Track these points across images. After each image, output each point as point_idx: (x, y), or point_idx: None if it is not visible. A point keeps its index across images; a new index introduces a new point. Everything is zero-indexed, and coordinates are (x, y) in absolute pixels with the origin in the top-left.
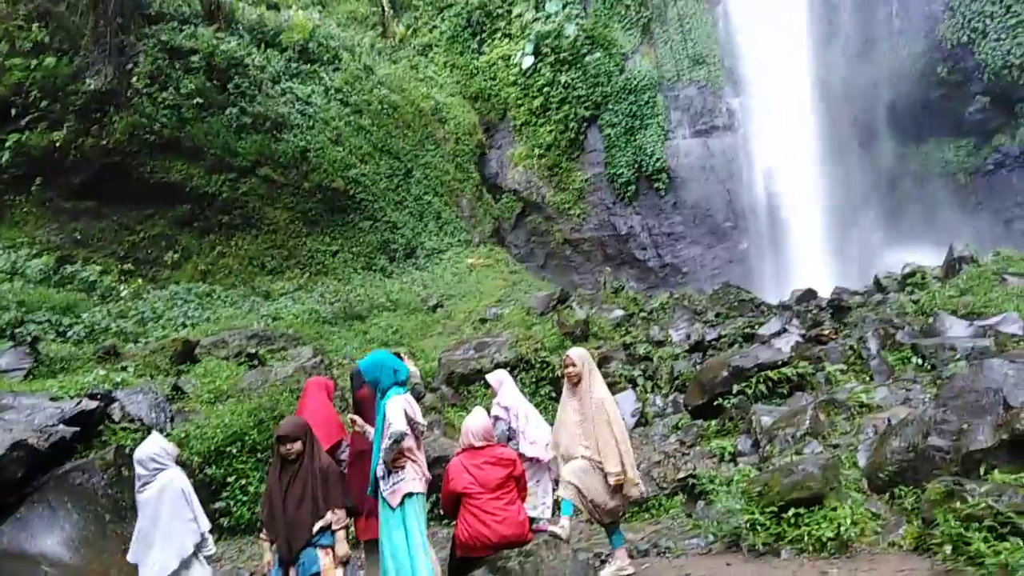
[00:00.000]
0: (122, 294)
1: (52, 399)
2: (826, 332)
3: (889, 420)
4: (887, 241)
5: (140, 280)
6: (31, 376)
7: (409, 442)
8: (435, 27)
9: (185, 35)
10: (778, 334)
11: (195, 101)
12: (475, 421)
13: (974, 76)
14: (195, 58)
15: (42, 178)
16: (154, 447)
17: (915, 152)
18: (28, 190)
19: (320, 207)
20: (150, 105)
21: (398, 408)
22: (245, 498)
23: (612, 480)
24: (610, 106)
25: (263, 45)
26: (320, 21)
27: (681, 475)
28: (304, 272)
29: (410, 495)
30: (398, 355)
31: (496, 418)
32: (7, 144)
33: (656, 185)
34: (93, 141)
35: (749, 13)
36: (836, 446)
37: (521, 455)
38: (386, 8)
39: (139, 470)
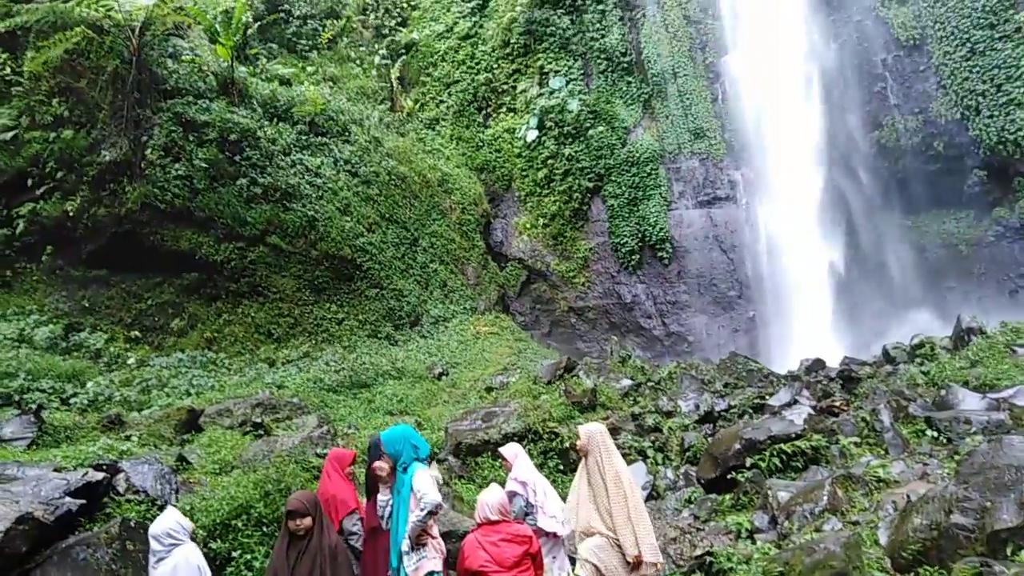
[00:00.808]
0: (128, 361)
1: (56, 470)
2: (837, 404)
3: (908, 496)
4: (893, 310)
5: (146, 347)
6: (35, 445)
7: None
8: (442, 102)
9: (199, 109)
10: (789, 405)
11: (207, 172)
12: (491, 496)
13: (970, 151)
14: (208, 131)
15: (54, 247)
16: (170, 522)
17: (917, 223)
18: (40, 258)
19: (327, 275)
20: (162, 176)
21: (428, 480)
22: (250, 574)
23: (630, 558)
24: (613, 177)
25: (275, 118)
26: (331, 96)
27: (698, 552)
28: (310, 340)
29: (431, 574)
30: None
31: (513, 493)
32: (21, 214)
33: (660, 254)
34: (106, 211)
35: (749, 86)
36: (856, 523)
37: (539, 530)
38: (395, 84)
39: (154, 545)
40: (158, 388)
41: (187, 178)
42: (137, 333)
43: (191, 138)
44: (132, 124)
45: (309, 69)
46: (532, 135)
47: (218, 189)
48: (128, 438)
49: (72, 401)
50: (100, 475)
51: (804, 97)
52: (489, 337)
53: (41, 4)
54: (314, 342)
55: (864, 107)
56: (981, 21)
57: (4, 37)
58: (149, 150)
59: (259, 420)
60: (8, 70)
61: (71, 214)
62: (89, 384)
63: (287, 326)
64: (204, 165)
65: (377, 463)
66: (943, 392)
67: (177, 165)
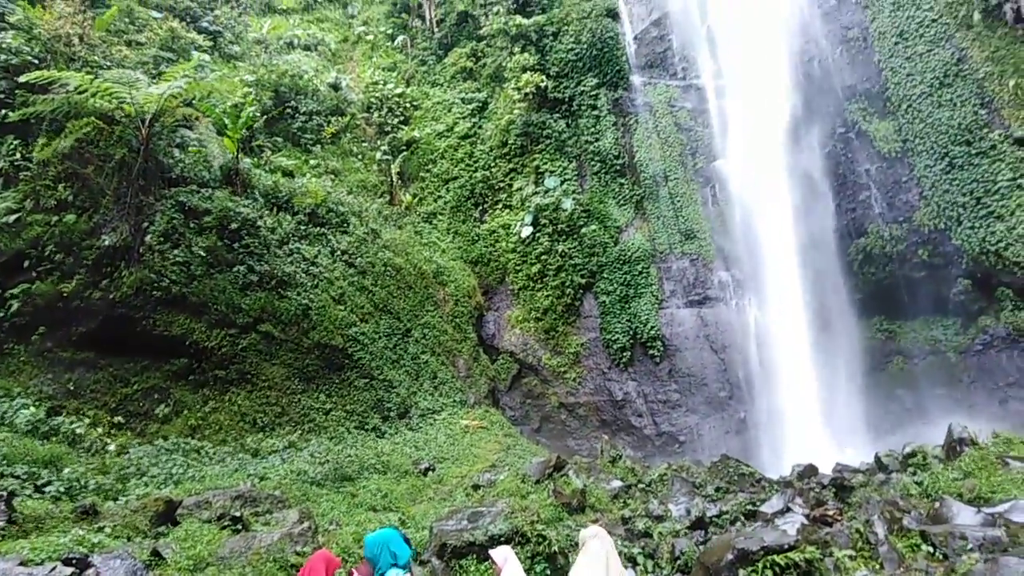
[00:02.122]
0: (108, 447)
1: (23, 563)
2: (831, 513)
3: None
4: (883, 415)
5: (129, 433)
6: (3, 536)
7: None
8: (440, 197)
9: (202, 197)
10: (782, 513)
11: (205, 259)
12: None
13: (954, 260)
14: (209, 219)
15: (45, 328)
16: None
17: (904, 329)
18: (29, 339)
19: (317, 364)
20: (160, 261)
21: None
22: None
23: None
24: (605, 275)
25: (276, 208)
26: (332, 188)
27: None
28: (296, 430)
29: None
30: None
31: None
32: (15, 294)
33: (651, 352)
34: (100, 294)
35: (737, 191)
36: None
37: None
38: (395, 179)
39: None
40: (136, 476)
41: (185, 264)
42: (121, 418)
43: (192, 225)
44: (134, 210)
45: (312, 162)
46: (527, 231)
47: (214, 276)
48: (101, 529)
49: (47, 488)
50: (69, 570)
51: (790, 203)
52: (478, 431)
53: (57, 95)
54: (300, 432)
55: (849, 214)
56: (958, 138)
57: (17, 125)
58: (149, 236)
59: (238, 514)
60: (18, 155)
61: (65, 295)
62: (66, 470)
63: (273, 415)
64: (202, 252)
65: (355, 568)
66: (937, 504)
67: (176, 251)
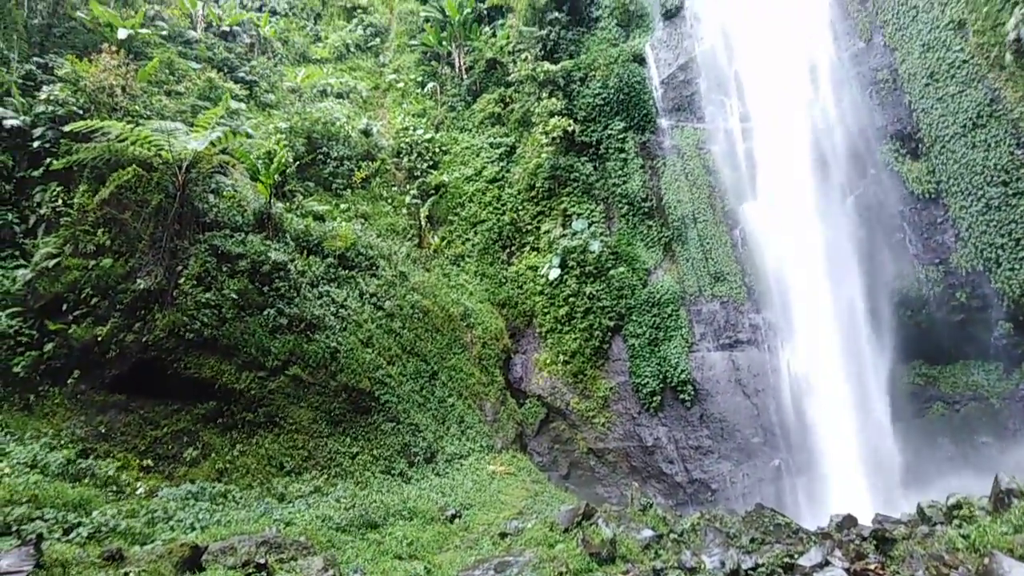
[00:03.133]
0: (137, 491)
1: None
2: (872, 567)
3: None
4: (924, 464)
5: (158, 476)
6: None
7: None
8: (468, 240)
9: (235, 242)
10: (820, 566)
11: (236, 302)
12: None
13: (994, 303)
14: (241, 262)
15: (79, 371)
16: None
17: (944, 373)
18: (64, 382)
19: (344, 407)
20: (193, 304)
21: None
22: None
23: None
24: (634, 317)
25: (306, 252)
26: (362, 232)
27: None
28: (322, 474)
29: None
30: None
31: None
32: (52, 337)
33: (682, 397)
34: (134, 337)
35: (767, 234)
36: None
37: None
38: (423, 222)
39: None
40: (164, 520)
41: (216, 307)
42: (150, 461)
43: (224, 269)
44: (169, 254)
45: (342, 206)
46: (554, 273)
47: (245, 319)
48: (127, 575)
49: (76, 531)
50: None
51: (822, 245)
52: (505, 477)
53: (99, 143)
54: (326, 476)
55: (883, 256)
56: (994, 179)
57: (60, 172)
58: (183, 279)
59: (263, 560)
60: (60, 202)
61: (100, 339)
62: (95, 513)
63: (300, 459)
64: (234, 295)
65: None
66: (986, 560)
67: (208, 294)
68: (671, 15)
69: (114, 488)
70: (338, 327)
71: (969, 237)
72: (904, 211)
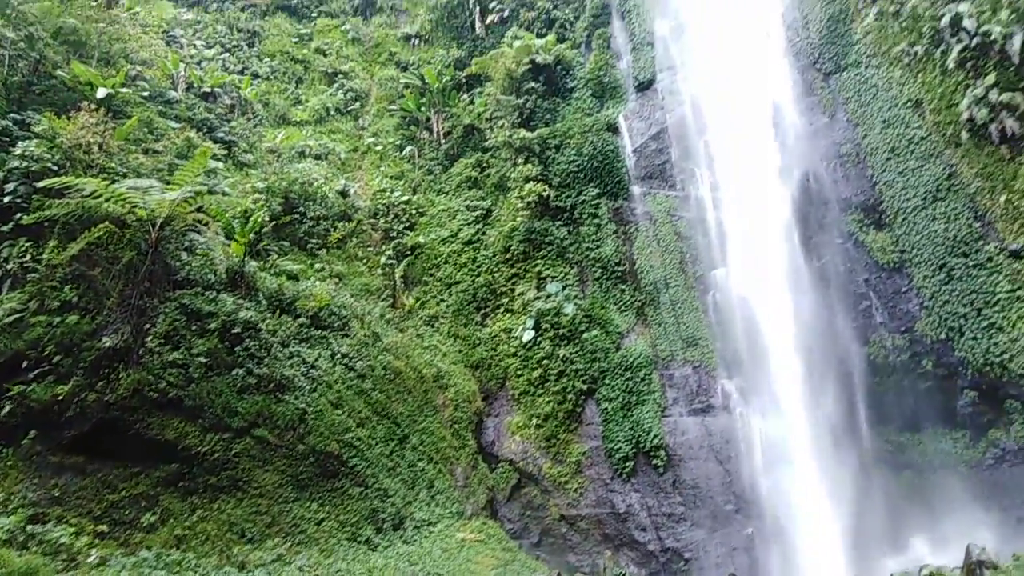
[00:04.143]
0: (89, 559)
1: None
2: None
3: None
4: (896, 532)
5: (112, 543)
6: None
7: None
8: (442, 300)
9: (206, 300)
10: None
11: (204, 361)
12: None
13: (959, 371)
14: (211, 321)
15: (36, 431)
16: None
17: (913, 441)
18: (19, 443)
19: (311, 471)
20: (159, 363)
21: None
22: None
23: None
24: (607, 381)
25: (279, 311)
26: (336, 291)
27: None
28: (286, 541)
29: None
30: None
31: None
32: (10, 396)
33: (654, 462)
34: (96, 396)
35: (737, 300)
36: None
37: None
38: (398, 282)
39: None
40: None
41: (183, 366)
42: (105, 527)
43: (193, 327)
44: (138, 312)
45: (317, 266)
46: (528, 335)
47: (212, 378)
48: None
49: None
50: None
51: (791, 313)
52: (475, 545)
53: (72, 199)
54: (290, 544)
55: (852, 324)
56: (955, 250)
57: (31, 227)
58: (150, 337)
59: None
60: (28, 257)
61: (60, 398)
62: None
63: (263, 525)
64: (202, 354)
65: None
66: None
67: (175, 353)
68: (644, 88)
69: (64, 556)
70: (308, 388)
71: (933, 306)
72: (870, 279)
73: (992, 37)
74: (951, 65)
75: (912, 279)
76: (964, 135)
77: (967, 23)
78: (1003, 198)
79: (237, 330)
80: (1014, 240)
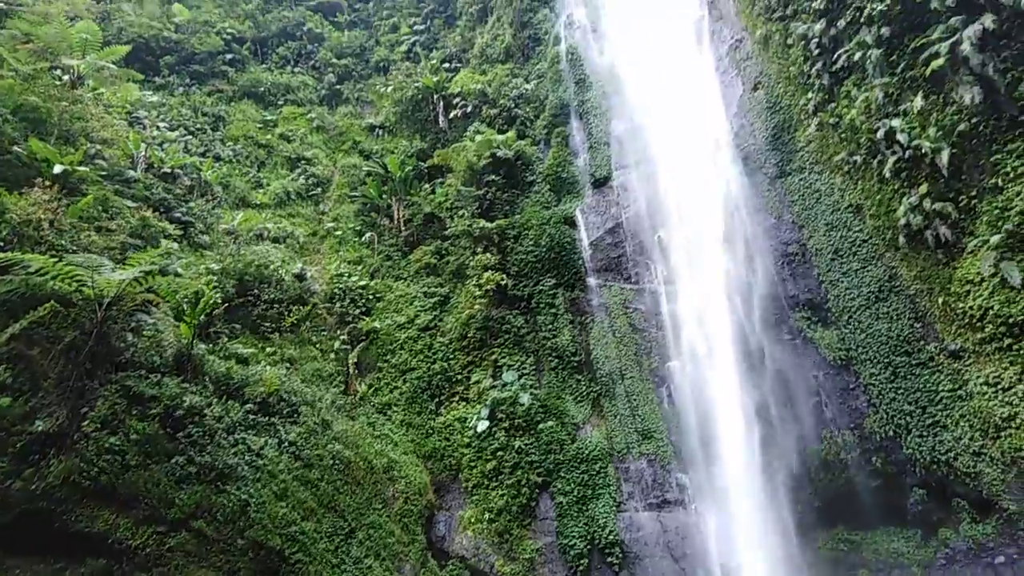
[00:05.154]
0: None
1: None
2: None
3: None
4: None
5: None
6: None
7: None
8: (396, 388)
9: (149, 383)
10: None
11: (143, 448)
12: None
13: (908, 469)
14: (154, 405)
15: None
16: None
17: (866, 540)
18: None
19: (250, 568)
20: (94, 449)
21: None
22: None
23: None
24: (562, 473)
25: (226, 396)
26: (287, 377)
27: None
28: None
29: None
30: None
31: None
32: None
33: (610, 560)
34: (22, 485)
35: (691, 393)
36: None
37: None
38: (351, 368)
39: None
40: None
41: (120, 453)
42: None
43: (134, 412)
44: (76, 394)
45: (269, 349)
46: (483, 425)
47: (150, 466)
48: None
49: None
50: None
51: (741, 408)
52: None
53: (16, 276)
54: None
55: (802, 420)
56: (898, 348)
57: None
58: (87, 422)
59: None
60: None
61: None
62: None
63: None
64: (141, 440)
65: None
66: None
67: (113, 439)
68: (600, 184)
69: None
70: (252, 478)
71: (880, 404)
72: (819, 376)
73: (923, 151)
74: (888, 174)
75: (860, 376)
76: (902, 239)
77: (900, 137)
78: (941, 300)
79: (180, 415)
80: (952, 341)
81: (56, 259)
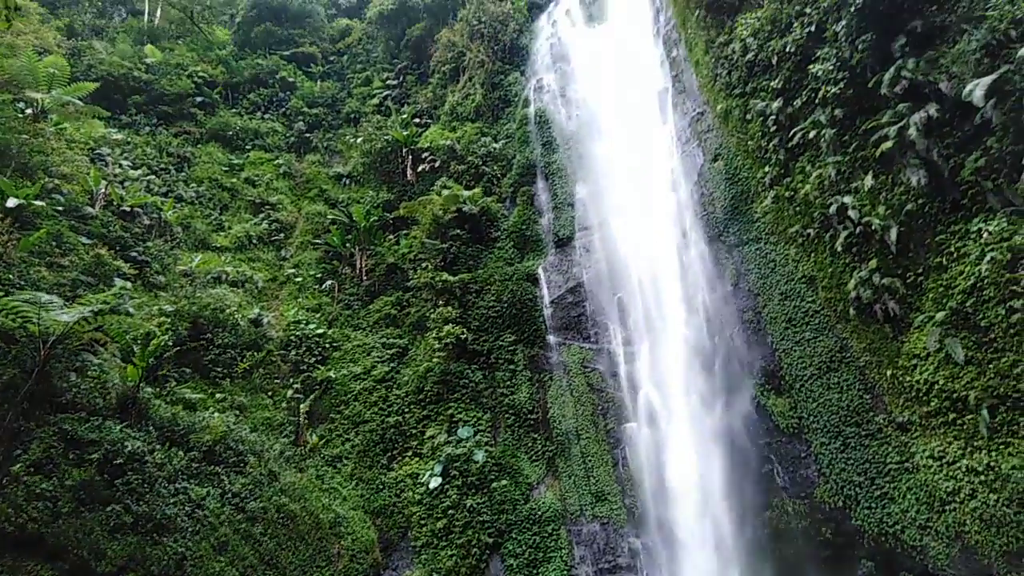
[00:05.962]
0: None
1: None
2: None
3: None
4: None
5: None
6: None
7: None
8: (348, 440)
9: (89, 427)
10: None
11: (77, 495)
12: None
13: (856, 540)
14: (92, 450)
15: None
16: None
17: None
18: None
19: None
20: (24, 495)
21: None
22: None
23: None
24: (514, 535)
25: (169, 443)
26: (235, 424)
27: None
28: None
29: None
30: None
31: None
32: None
33: None
34: None
35: (646, 457)
36: None
37: None
38: (303, 418)
39: None
40: None
41: (52, 499)
42: None
43: (70, 456)
44: (10, 435)
45: (218, 396)
46: (435, 482)
47: (83, 514)
48: None
49: None
50: None
51: (698, 473)
52: None
53: None
54: None
55: (756, 487)
56: (848, 419)
57: None
58: (18, 465)
59: None
60: None
61: None
62: None
63: None
64: (76, 487)
65: None
66: None
67: (45, 484)
68: (562, 244)
69: None
70: (191, 530)
71: (830, 473)
72: (771, 443)
73: (873, 227)
74: (839, 248)
75: (811, 445)
76: (852, 312)
77: (852, 213)
78: (889, 372)
79: (120, 461)
80: (900, 413)
81: (3, 294)
